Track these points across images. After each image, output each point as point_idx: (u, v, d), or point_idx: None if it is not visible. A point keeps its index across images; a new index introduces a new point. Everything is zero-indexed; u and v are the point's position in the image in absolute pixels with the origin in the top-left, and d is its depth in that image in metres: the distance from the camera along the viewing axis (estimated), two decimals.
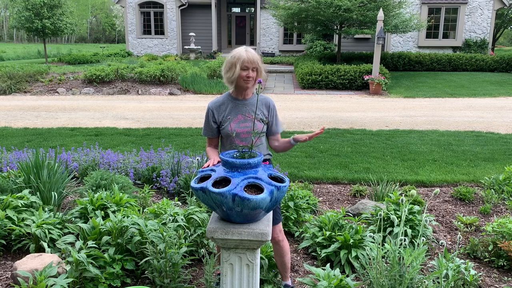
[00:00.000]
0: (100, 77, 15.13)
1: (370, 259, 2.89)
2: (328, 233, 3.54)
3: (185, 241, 3.35)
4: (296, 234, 3.94)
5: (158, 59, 20.25)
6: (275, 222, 2.80)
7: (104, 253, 3.08)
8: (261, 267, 3.15)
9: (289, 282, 3.03)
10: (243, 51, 2.63)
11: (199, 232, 3.49)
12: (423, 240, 2.77)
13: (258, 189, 2.08)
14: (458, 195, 4.96)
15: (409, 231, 3.54)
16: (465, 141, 7.76)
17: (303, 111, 11.14)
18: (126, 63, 17.53)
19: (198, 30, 24.14)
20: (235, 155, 2.25)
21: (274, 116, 2.82)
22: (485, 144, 7.52)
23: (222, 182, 2.12)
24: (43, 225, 3.49)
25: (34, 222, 3.56)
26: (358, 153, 6.93)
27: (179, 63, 16.95)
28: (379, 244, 2.75)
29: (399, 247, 2.74)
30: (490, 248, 3.52)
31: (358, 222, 3.82)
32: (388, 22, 15.68)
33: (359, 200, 4.91)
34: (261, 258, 3.15)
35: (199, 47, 22.97)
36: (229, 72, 2.65)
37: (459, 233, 4.07)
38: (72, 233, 3.66)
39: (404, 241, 2.74)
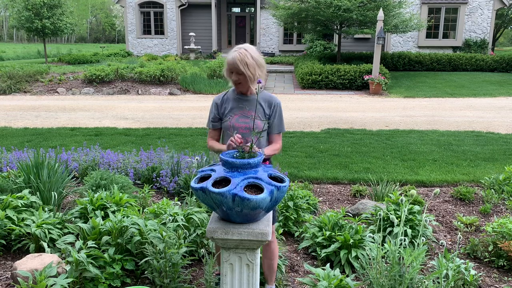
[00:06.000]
0: (100, 77, 15.13)
1: (370, 259, 2.89)
2: (328, 233, 3.54)
3: (184, 241, 3.35)
4: (296, 234, 3.94)
5: (158, 59, 20.25)
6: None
7: (104, 253, 3.07)
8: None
9: (273, 286, 3.01)
10: (230, 53, 2.57)
11: (198, 232, 3.49)
12: (423, 240, 2.77)
13: (258, 189, 2.08)
14: (458, 195, 4.96)
15: (409, 231, 3.54)
16: (465, 141, 7.76)
17: (303, 111, 11.14)
18: (126, 63, 17.53)
19: (198, 30, 24.13)
20: (235, 155, 2.25)
21: (276, 115, 2.73)
22: (485, 144, 7.52)
23: (222, 182, 2.12)
24: (43, 225, 3.49)
25: (34, 222, 3.55)
26: (358, 153, 6.93)
27: (179, 63, 16.94)
28: (379, 244, 2.75)
29: (399, 247, 2.74)
30: (490, 248, 3.52)
31: (358, 222, 3.82)
32: (388, 22, 15.67)
33: (359, 200, 4.91)
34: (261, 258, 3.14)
35: (199, 47, 22.96)
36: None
37: (459, 233, 4.07)
38: (72, 233, 3.65)
39: (404, 241, 2.74)
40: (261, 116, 2.70)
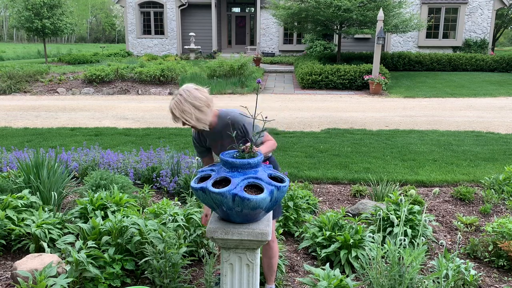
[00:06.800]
0: (100, 77, 15.13)
1: (370, 259, 2.89)
2: (328, 233, 3.54)
3: (184, 241, 3.35)
4: (296, 234, 3.94)
5: (158, 59, 20.24)
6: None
7: (104, 253, 3.07)
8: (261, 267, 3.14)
9: (273, 286, 3.02)
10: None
11: (198, 232, 3.49)
12: (422, 240, 2.77)
13: (258, 189, 2.08)
14: (458, 195, 4.96)
15: (409, 231, 3.54)
16: (465, 141, 7.76)
17: (303, 111, 11.14)
18: (126, 63, 17.53)
19: (198, 30, 24.14)
20: (235, 155, 2.25)
21: (247, 132, 2.62)
22: (485, 144, 7.52)
23: (222, 182, 2.12)
24: (43, 225, 3.49)
25: (34, 222, 3.56)
26: (358, 153, 6.93)
27: (179, 63, 16.94)
28: (379, 244, 2.75)
29: (399, 247, 2.74)
30: (490, 248, 3.52)
31: (358, 222, 3.82)
32: (388, 22, 15.67)
33: (359, 200, 4.91)
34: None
35: (199, 47, 22.96)
36: None
37: (459, 233, 4.07)
38: (72, 233, 3.66)
39: (404, 241, 2.74)
40: (232, 142, 2.63)
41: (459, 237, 2.85)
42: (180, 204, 4.55)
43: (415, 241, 2.74)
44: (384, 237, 3.60)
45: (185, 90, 2.48)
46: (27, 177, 4.26)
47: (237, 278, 2.24)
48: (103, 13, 66.12)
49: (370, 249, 2.88)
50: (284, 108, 11.53)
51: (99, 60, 22.24)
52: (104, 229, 3.27)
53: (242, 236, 2.12)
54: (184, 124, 2.51)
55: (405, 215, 3.62)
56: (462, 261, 3.11)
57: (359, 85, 15.03)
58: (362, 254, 3.21)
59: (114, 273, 3.05)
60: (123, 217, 3.38)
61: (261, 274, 3.04)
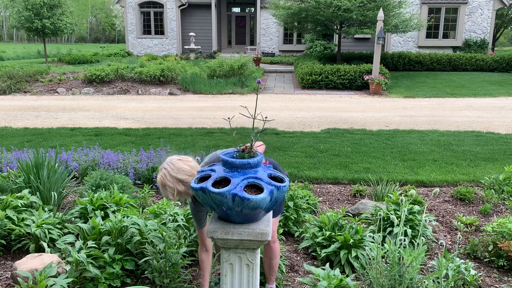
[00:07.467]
0: (100, 77, 15.13)
1: (370, 259, 2.89)
2: (328, 233, 3.54)
3: (184, 241, 3.35)
4: (296, 234, 3.94)
5: (158, 59, 20.24)
6: (274, 214, 2.78)
7: (104, 253, 3.08)
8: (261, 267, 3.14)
9: (274, 285, 3.02)
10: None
11: None
12: (423, 240, 2.77)
13: (258, 189, 2.08)
14: (458, 195, 4.96)
15: (409, 231, 3.54)
16: (465, 141, 7.76)
17: (303, 111, 11.14)
18: (126, 63, 17.52)
19: (198, 30, 24.14)
20: (235, 155, 2.25)
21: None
22: (485, 144, 7.52)
23: (222, 182, 2.12)
24: (43, 225, 3.49)
25: (34, 222, 3.56)
26: (358, 153, 6.93)
27: (179, 63, 16.94)
28: (379, 244, 2.75)
29: (399, 247, 2.74)
30: (490, 248, 3.52)
31: (358, 222, 3.82)
32: (388, 22, 15.67)
33: (359, 200, 4.91)
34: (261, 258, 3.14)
35: (199, 47, 22.96)
36: None
37: (459, 233, 4.07)
38: (72, 233, 3.66)
39: (404, 241, 2.74)
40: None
41: (459, 237, 2.85)
42: (180, 204, 4.55)
43: (415, 241, 2.74)
44: (384, 237, 3.60)
45: (168, 164, 2.48)
46: (27, 177, 4.26)
47: (237, 278, 2.24)
48: (103, 13, 66.12)
49: (370, 249, 2.88)
50: (284, 108, 11.53)
51: (99, 60, 22.24)
52: (104, 229, 3.27)
53: (242, 236, 2.12)
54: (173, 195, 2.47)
55: (405, 215, 3.62)
56: (462, 261, 3.11)
57: (359, 85, 15.03)
58: (362, 254, 3.21)
59: (114, 273, 3.05)
60: (123, 217, 3.38)
61: (261, 274, 3.04)
